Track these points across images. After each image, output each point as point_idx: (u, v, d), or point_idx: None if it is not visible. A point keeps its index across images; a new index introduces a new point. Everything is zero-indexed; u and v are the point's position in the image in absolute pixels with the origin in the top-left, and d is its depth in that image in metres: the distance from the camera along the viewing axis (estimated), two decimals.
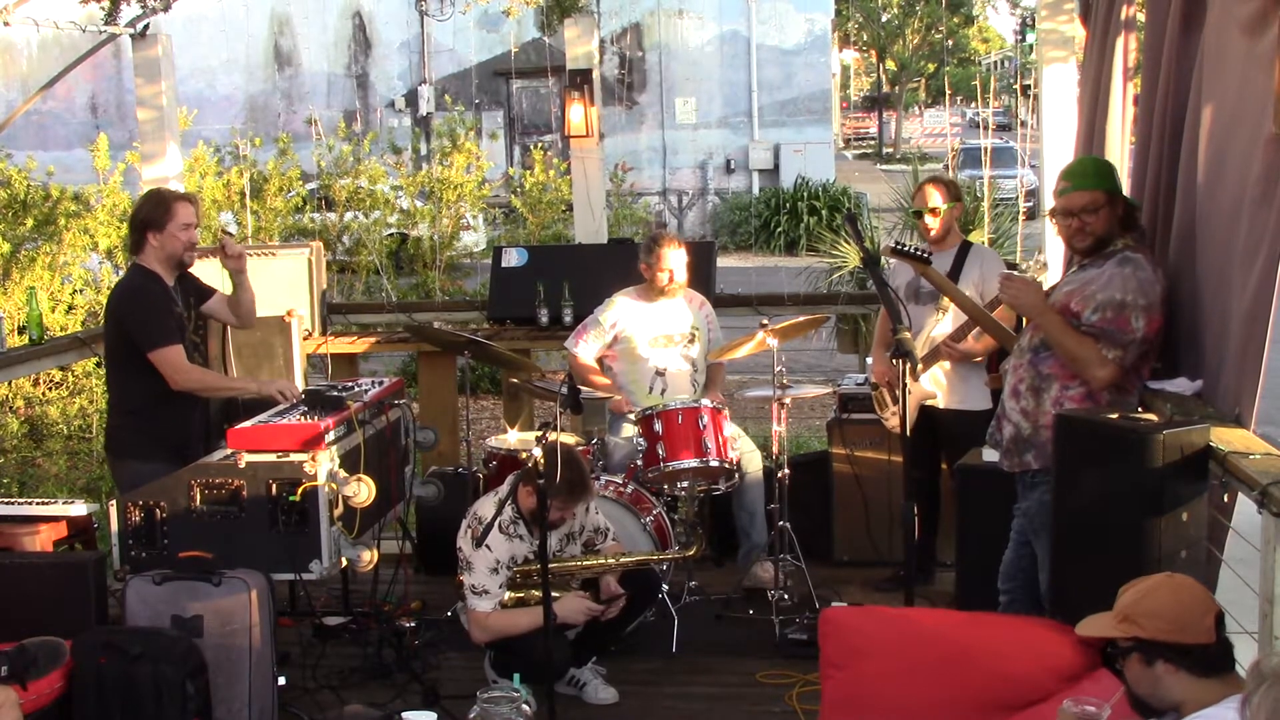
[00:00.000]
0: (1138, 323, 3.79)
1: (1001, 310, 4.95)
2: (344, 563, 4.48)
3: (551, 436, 4.21)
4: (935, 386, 5.42)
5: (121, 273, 9.77)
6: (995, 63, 45.37)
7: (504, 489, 4.47)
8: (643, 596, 4.83)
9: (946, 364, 5.39)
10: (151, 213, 4.77)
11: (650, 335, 5.73)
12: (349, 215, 12.21)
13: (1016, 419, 4.05)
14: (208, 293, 5.05)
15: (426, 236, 12.15)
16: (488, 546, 4.44)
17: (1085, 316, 3.83)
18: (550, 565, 4.48)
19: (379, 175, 12.55)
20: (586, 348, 5.78)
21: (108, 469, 5.99)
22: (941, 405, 5.44)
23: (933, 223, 5.44)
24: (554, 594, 4.60)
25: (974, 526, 4.92)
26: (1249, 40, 3.41)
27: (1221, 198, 3.63)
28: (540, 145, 16.33)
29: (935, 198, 5.45)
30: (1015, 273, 3.80)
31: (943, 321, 5.39)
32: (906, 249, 4.60)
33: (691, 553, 5.06)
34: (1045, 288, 4.47)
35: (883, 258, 5.16)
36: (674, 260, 5.66)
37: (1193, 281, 3.85)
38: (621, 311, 5.75)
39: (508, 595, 4.56)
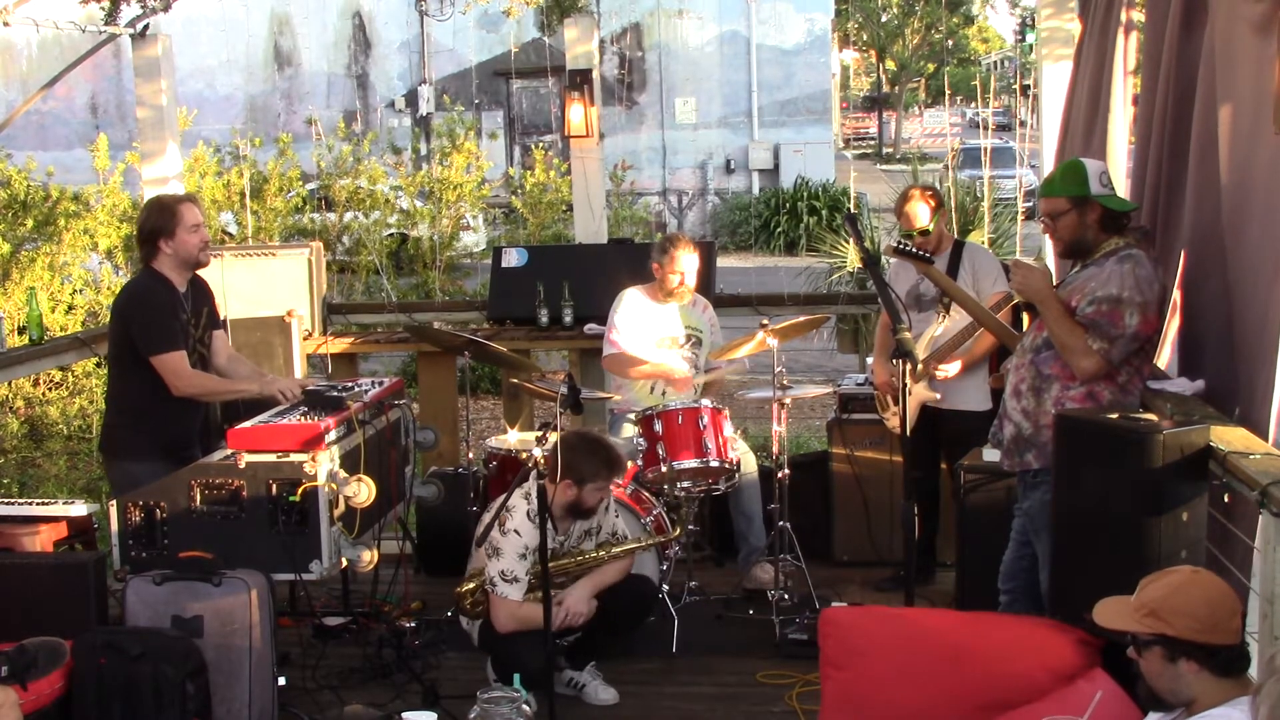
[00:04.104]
0: (1131, 319, 3.80)
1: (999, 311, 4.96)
2: (344, 563, 4.48)
3: (551, 437, 4.21)
4: (935, 390, 5.42)
5: (122, 273, 9.83)
6: (995, 63, 45.36)
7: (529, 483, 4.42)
8: (641, 606, 4.82)
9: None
10: (159, 220, 4.76)
11: (655, 336, 5.74)
12: (349, 215, 12.21)
13: (1018, 418, 4.06)
14: (217, 322, 5.05)
15: (426, 236, 12.14)
16: (516, 532, 4.45)
17: (1080, 308, 3.85)
18: (550, 564, 4.48)
19: (379, 175, 12.56)
20: (624, 338, 5.74)
21: None
22: (943, 405, 5.44)
23: (925, 239, 5.41)
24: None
25: (974, 526, 4.92)
26: (1261, 40, 3.39)
27: (1250, 199, 3.59)
28: (540, 145, 16.33)
29: (922, 216, 5.42)
30: (1027, 260, 3.83)
31: (944, 327, 5.38)
32: (908, 249, 4.60)
33: (676, 534, 5.07)
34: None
35: (883, 258, 5.17)
36: (686, 264, 5.66)
37: (1221, 283, 3.80)
38: (631, 305, 5.76)
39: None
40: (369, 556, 4.46)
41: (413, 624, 5.17)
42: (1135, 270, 3.82)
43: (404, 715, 4.00)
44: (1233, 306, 3.73)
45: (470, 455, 5.77)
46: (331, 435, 4.42)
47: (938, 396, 5.41)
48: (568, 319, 6.65)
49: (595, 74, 7.12)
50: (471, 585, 4.60)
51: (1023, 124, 22.34)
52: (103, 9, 7.47)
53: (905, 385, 4.03)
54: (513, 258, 7.07)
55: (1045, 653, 3.40)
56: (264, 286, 6.50)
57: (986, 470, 4.91)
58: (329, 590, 5.48)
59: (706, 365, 5.86)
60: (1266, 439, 3.34)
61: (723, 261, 10.73)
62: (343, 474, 4.36)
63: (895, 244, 4.76)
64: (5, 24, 6.32)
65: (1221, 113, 3.75)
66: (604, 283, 6.13)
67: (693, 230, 23.47)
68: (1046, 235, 4.12)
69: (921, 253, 4.58)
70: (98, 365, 8.60)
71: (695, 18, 23.69)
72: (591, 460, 4.47)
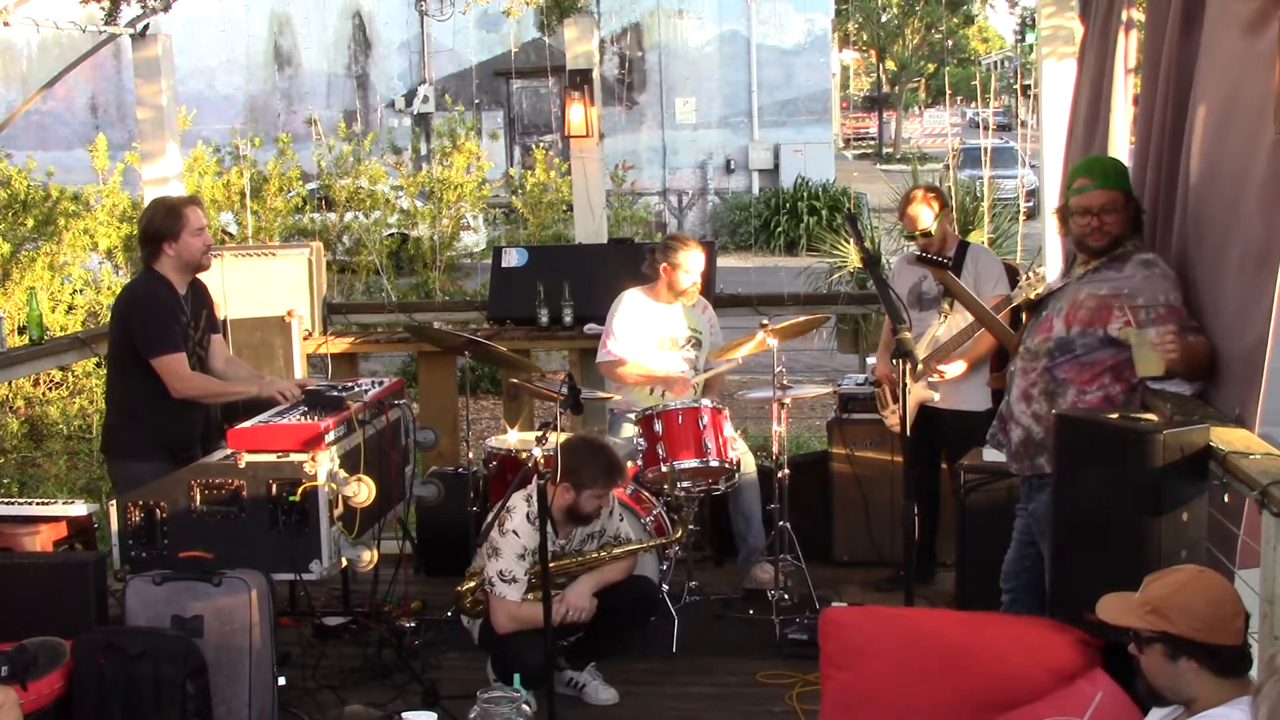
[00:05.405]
0: (1185, 310, 3.81)
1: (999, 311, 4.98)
2: (344, 563, 4.48)
3: (551, 437, 4.21)
4: (933, 390, 5.42)
5: (122, 273, 9.83)
6: (995, 63, 45.34)
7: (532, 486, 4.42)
8: (644, 607, 4.82)
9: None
10: (164, 222, 4.75)
11: (656, 337, 5.73)
12: (349, 215, 12.20)
13: (1027, 423, 4.05)
14: (215, 326, 5.04)
15: (426, 237, 12.14)
16: (515, 533, 4.45)
17: (1146, 326, 3.77)
18: (551, 565, 4.48)
19: (379, 175, 12.54)
20: (619, 344, 5.73)
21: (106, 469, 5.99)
22: (942, 405, 5.44)
23: (929, 240, 5.43)
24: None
25: (974, 526, 4.92)
26: (1248, 39, 3.40)
27: (1218, 197, 3.62)
28: (540, 145, 16.33)
29: (925, 218, 5.43)
30: (1173, 329, 3.68)
31: (945, 326, 5.39)
32: (929, 256, 4.67)
33: (678, 536, 5.07)
34: (1043, 289, 4.48)
35: (883, 258, 5.19)
36: (698, 263, 5.66)
37: (1192, 279, 3.85)
38: (631, 307, 5.75)
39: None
40: (369, 556, 4.46)
41: (413, 624, 5.17)
42: (1166, 274, 3.83)
43: (404, 715, 4.00)
44: (1201, 307, 3.76)
45: (470, 455, 5.77)
46: (331, 435, 4.42)
47: (935, 397, 5.41)
48: (568, 319, 6.65)
49: (595, 74, 7.12)
50: (471, 584, 4.60)
51: (1023, 124, 22.36)
52: (103, 9, 7.46)
53: (905, 385, 4.03)
54: (513, 258, 7.07)
55: (1045, 653, 3.40)
56: (264, 286, 6.50)
57: (986, 470, 4.91)
58: (329, 590, 5.48)
59: (706, 366, 5.86)
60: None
61: (723, 261, 10.73)
62: (343, 474, 4.36)
63: (917, 253, 4.79)
64: (5, 24, 6.31)
65: (1199, 112, 3.76)
66: (604, 283, 6.13)
67: (693, 230, 23.45)
68: (1078, 231, 4.01)
69: (939, 258, 4.63)
70: (98, 365, 8.59)
71: (695, 18, 23.68)
72: (591, 466, 4.46)
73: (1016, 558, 4.26)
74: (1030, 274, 5.01)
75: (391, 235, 12.83)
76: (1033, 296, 4.81)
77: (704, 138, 24.14)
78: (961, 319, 5.31)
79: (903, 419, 4.10)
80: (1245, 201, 3.39)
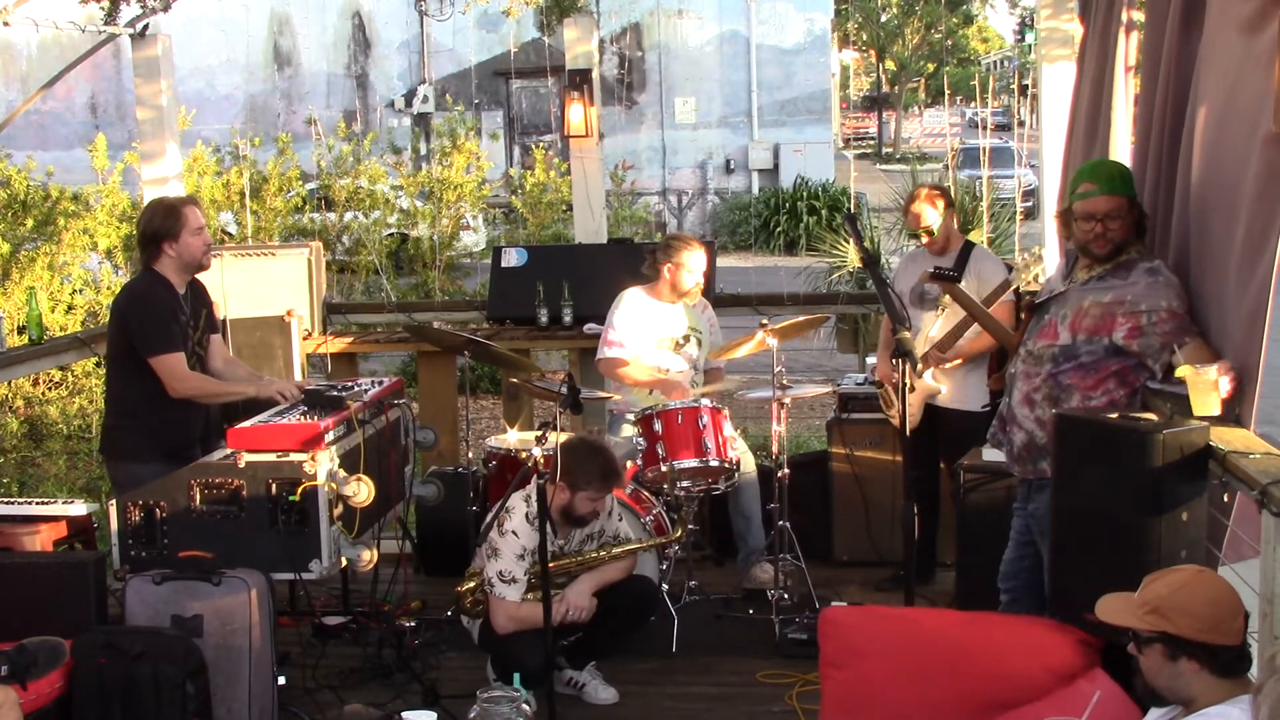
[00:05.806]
0: (1189, 318, 3.81)
1: (1001, 310, 4.98)
2: (344, 563, 4.48)
3: (551, 437, 4.22)
4: (938, 383, 5.43)
5: (121, 273, 9.83)
6: (995, 63, 45.37)
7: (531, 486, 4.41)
8: (643, 606, 4.82)
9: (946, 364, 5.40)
10: (164, 223, 4.75)
11: (656, 336, 5.73)
12: (349, 215, 12.19)
13: (1030, 427, 4.04)
14: (215, 326, 5.04)
15: (426, 236, 12.14)
16: (514, 533, 4.45)
17: (1149, 331, 3.79)
18: (551, 564, 4.48)
19: (379, 175, 12.54)
20: (620, 342, 5.71)
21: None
22: (942, 405, 5.44)
23: (932, 239, 5.46)
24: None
25: (974, 526, 4.92)
26: (1246, 38, 3.41)
27: (1217, 197, 3.63)
28: (540, 145, 16.32)
29: (929, 215, 5.45)
30: (1229, 364, 3.68)
31: (938, 325, 5.41)
32: (942, 272, 4.74)
33: (678, 535, 5.07)
34: (1044, 287, 4.49)
35: (883, 258, 5.20)
36: (701, 262, 5.66)
37: (1191, 281, 3.86)
38: (632, 306, 5.74)
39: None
40: (369, 556, 4.46)
41: (413, 624, 5.17)
42: (1171, 281, 3.83)
43: (404, 715, 3.99)
44: (1199, 305, 3.77)
45: (470, 455, 5.77)
46: (331, 435, 4.42)
47: (941, 390, 5.41)
48: (567, 319, 6.65)
49: (595, 74, 7.12)
50: (471, 584, 4.60)
51: (1022, 124, 22.36)
52: (102, 9, 7.47)
53: (905, 386, 4.03)
54: (512, 258, 7.07)
55: (1045, 653, 3.40)
56: (264, 286, 6.49)
57: (986, 470, 4.91)
58: (329, 590, 5.48)
59: (706, 365, 5.86)
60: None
61: (723, 261, 10.73)
62: (342, 474, 4.36)
63: (932, 270, 4.83)
64: (5, 24, 6.32)
65: (1199, 111, 3.77)
66: (604, 283, 6.13)
67: (692, 230, 23.43)
68: (1081, 236, 4.00)
69: (949, 273, 4.72)
70: (97, 365, 8.59)
71: (695, 18, 23.68)
72: (587, 468, 4.45)
73: (1015, 558, 4.26)
74: (1027, 254, 5.01)
75: (391, 235, 12.83)
76: (1029, 280, 4.83)
77: (704, 138, 24.14)
78: (955, 315, 5.31)
79: (902, 419, 4.10)
80: (1242, 200, 3.40)
